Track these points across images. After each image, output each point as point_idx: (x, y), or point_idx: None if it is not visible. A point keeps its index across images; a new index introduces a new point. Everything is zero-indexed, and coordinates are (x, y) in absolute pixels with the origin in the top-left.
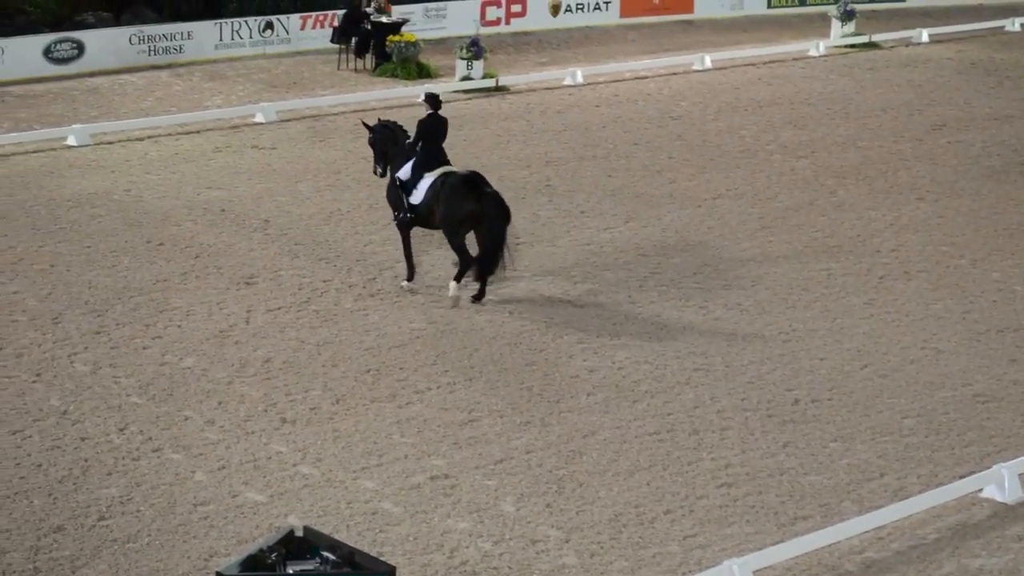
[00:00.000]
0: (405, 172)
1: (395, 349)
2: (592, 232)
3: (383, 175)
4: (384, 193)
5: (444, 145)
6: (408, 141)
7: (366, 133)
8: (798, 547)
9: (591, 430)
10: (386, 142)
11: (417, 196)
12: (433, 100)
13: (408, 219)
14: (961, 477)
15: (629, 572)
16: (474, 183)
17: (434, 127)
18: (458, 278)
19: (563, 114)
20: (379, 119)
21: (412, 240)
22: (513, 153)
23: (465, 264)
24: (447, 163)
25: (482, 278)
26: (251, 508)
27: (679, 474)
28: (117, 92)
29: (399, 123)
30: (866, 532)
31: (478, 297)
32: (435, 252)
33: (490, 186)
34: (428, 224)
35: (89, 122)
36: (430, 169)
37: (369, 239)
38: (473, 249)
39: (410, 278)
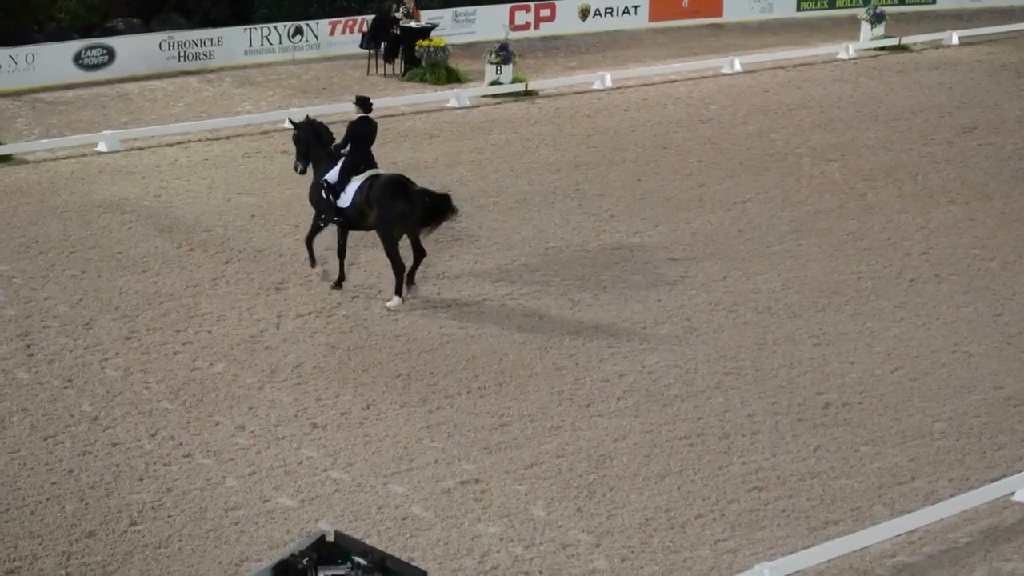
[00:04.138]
0: (333, 175)
1: (425, 354)
2: (622, 236)
3: (303, 172)
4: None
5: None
6: (335, 143)
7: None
8: (829, 551)
9: (621, 434)
10: (310, 140)
11: (345, 200)
12: (364, 103)
13: (336, 222)
14: (992, 480)
15: None
16: (401, 183)
17: (364, 130)
18: (399, 290)
19: (592, 118)
20: (307, 116)
21: (331, 243)
22: (542, 157)
23: (401, 272)
24: (374, 166)
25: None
26: (282, 513)
27: (710, 478)
28: (147, 98)
29: (325, 124)
30: (897, 536)
31: (408, 280)
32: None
33: (416, 185)
34: (358, 226)
35: (119, 128)
36: (358, 172)
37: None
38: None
39: (339, 283)
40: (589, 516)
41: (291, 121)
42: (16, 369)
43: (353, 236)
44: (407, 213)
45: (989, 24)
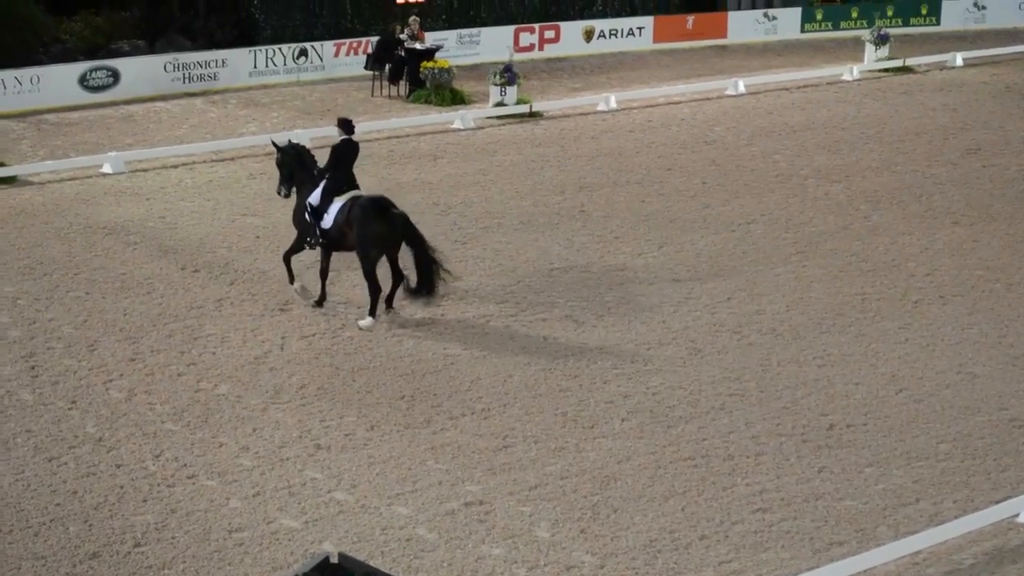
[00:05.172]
0: (315, 197)
1: (429, 375)
2: (626, 257)
3: (287, 196)
4: (291, 218)
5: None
6: (319, 167)
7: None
8: (833, 573)
9: (625, 456)
10: (293, 164)
11: (327, 221)
12: (346, 125)
13: (319, 244)
14: (997, 502)
15: None
16: (381, 205)
17: (347, 152)
18: (372, 311)
19: (597, 139)
20: (289, 140)
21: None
22: (547, 179)
23: (376, 294)
24: (356, 187)
25: (425, 291)
26: (286, 535)
27: (714, 499)
28: (152, 119)
29: (307, 148)
30: (902, 558)
31: (387, 304)
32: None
33: (396, 208)
34: (340, 247)
35: (124, 149)
36: (339, 194)
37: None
38: (385, 279)
39: (320, 302)
40: (593, 537)
41: (274, 144)
42: (20, 390)
43: (350, 258)
44: (386, 235)
45: (993, 45)
